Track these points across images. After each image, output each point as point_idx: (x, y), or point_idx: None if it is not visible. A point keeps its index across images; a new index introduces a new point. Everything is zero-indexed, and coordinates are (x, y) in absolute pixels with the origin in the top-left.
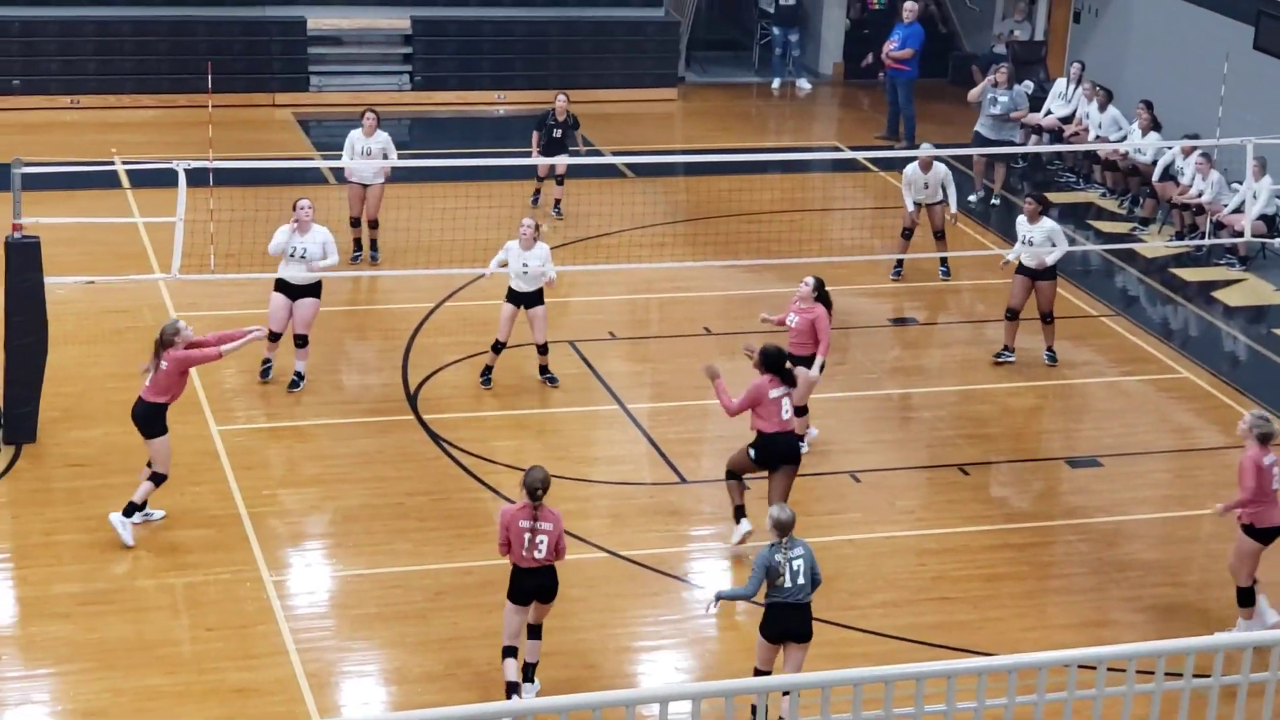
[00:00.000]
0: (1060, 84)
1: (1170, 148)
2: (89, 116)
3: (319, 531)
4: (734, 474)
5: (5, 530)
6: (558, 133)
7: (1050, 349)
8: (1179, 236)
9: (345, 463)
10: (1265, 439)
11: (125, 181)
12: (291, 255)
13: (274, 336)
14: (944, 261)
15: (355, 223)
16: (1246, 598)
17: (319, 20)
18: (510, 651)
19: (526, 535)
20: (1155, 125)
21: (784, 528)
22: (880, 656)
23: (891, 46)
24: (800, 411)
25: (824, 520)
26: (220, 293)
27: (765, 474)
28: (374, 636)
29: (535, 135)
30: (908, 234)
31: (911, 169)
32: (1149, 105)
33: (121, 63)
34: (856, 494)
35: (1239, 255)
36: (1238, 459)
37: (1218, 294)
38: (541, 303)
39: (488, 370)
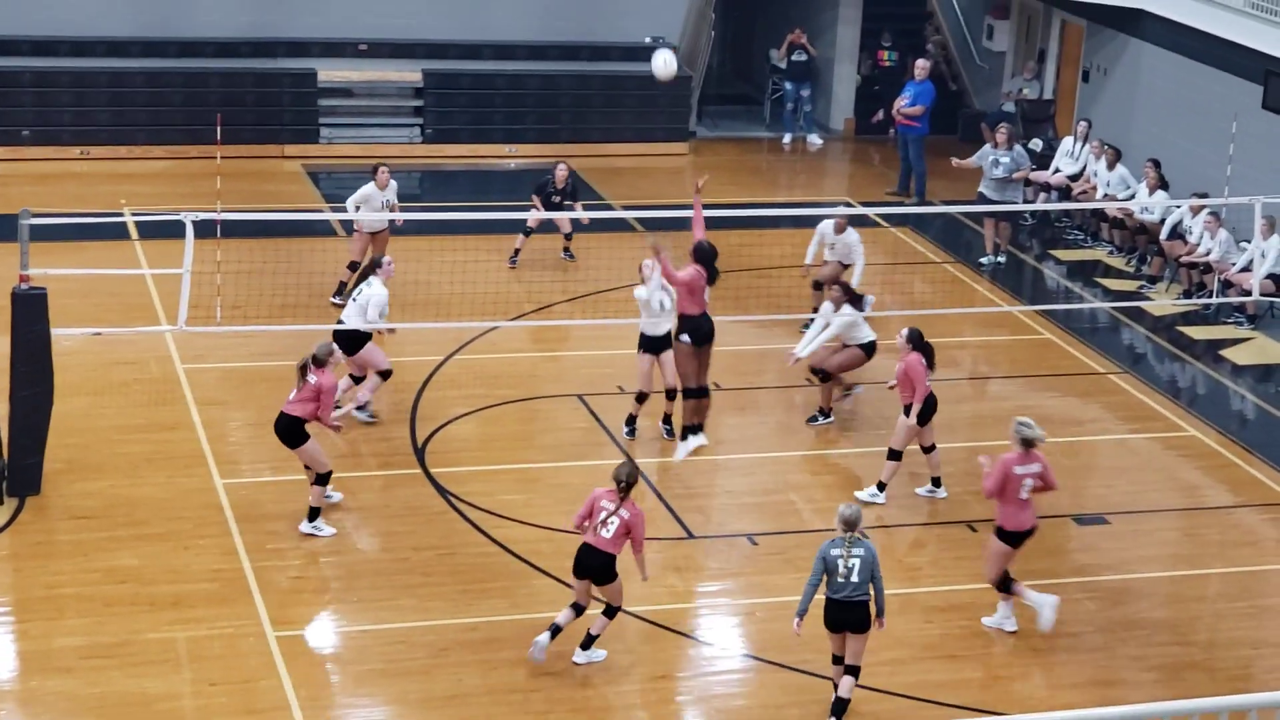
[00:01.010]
0: (1068, 142)
1: (1178, 206)
2: (99, 167)
3: (323, 586)
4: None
5: (7, 583)
6: (557, 199)
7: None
8: (1187, 295)
9: (351, 516)
10: (1027, 444)
11: (134, 233)
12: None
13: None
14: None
15: (354, 266)
16: (1004, 586)
17: (330, 72)
18: (577, 608)
19: (604, 513)
20: (1163, 183)
21: (850, 524)
22: (888, 715)
23: (903, 103)
24: (892, 455)
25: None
26: (226, 345)
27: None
28: (377, 693)
29: (536, 199)
30: (819, 286)
31: (826, 225)
32: (1157, 164)
33: (134, 114)
34: None
35: (1247, 314)
36: (1246, 519)
37: (1225, 352)
38: (670, 346)
39: (632, 420)
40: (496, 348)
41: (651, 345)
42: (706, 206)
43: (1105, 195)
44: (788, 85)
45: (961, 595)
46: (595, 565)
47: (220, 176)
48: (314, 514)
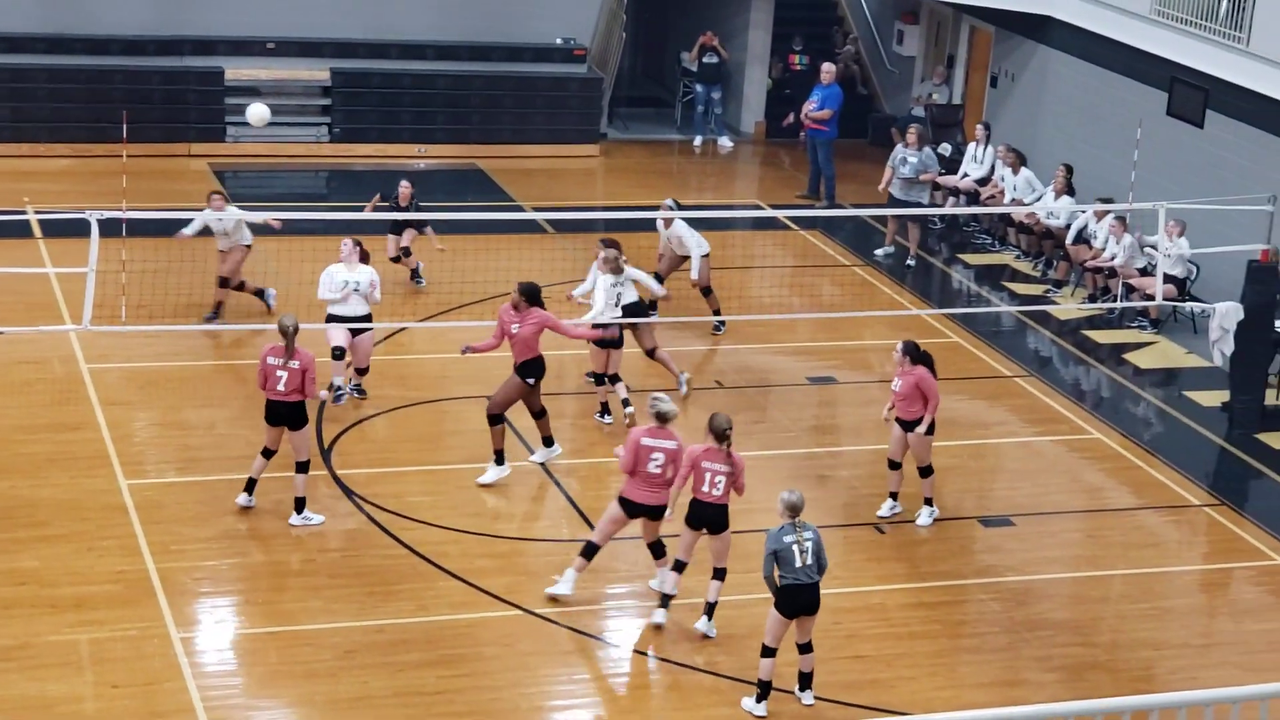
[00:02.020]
0: (973, 147)
1: (1083, 211)
2: (1, 165)
3: (228, 588)
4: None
5: None
6: (400, 217)
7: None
8: (1092, 299)
9: (255, 518)
10: (661, 418)
11: (37, 231)
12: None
13: (340, 353)
14: (717, 313)
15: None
16: (658, 551)
17: (237, 70)
18: (680, 566)
19: (708, 474)
20: (1069, 189)
21: (795, 509)
22: (794, 715)
23: (811, 107)
24: (925, 472)
25: (741, 579)
26: (131, 345)
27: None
28: (282, 695)
29: (375, 198)
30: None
31: (660, 222)
32: (1069, 169)
33: (37, 111)
34: None
35: (1150, 318)
36: (1148, 520)
37: (1129, 356)
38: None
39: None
40: (406, 349)
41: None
42: (618, 209)
43: (1012, 200)
44: (699, 88)
45: (870, 596)
46: (710, 516)
47: (126, 175)
48: (300, 504)
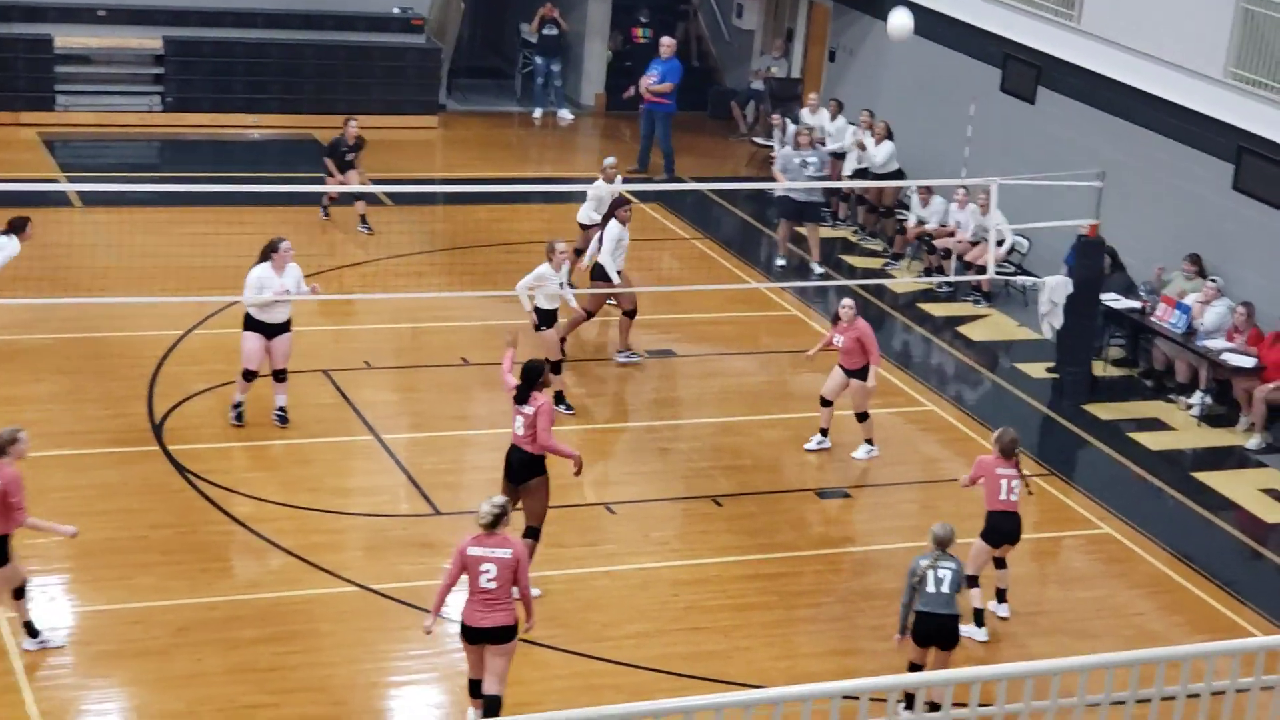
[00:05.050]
0: (831, 123)
1: (917, 187)
2: None
3: (57, 566)
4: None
5: None
6: (350, 156)
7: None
8: (927, 273)
9: (86, 495)
10: (491, 523)
11: None
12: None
13: (250, 376)
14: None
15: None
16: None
17: (67, 38)
18: (973, 581)
19: (1004, 481)
20: (889, 135)
21: (940, 542)
22: (631, 688)
23: (650, 81)
24: (862, 418)
25: (580, 552)
26: None
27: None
28: (113, 674)
29: (329, 161)
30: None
31: (598, 186)
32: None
33: None
34: (612, 525)
35: (983, 292)
36: (978, 491)
37: (963, 329)
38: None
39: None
40: (239, 322)
41: (551, 319)
42: (457, 181)
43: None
44: (538, 59)
45: (707, 569)
46: (1012, 529)
47: None
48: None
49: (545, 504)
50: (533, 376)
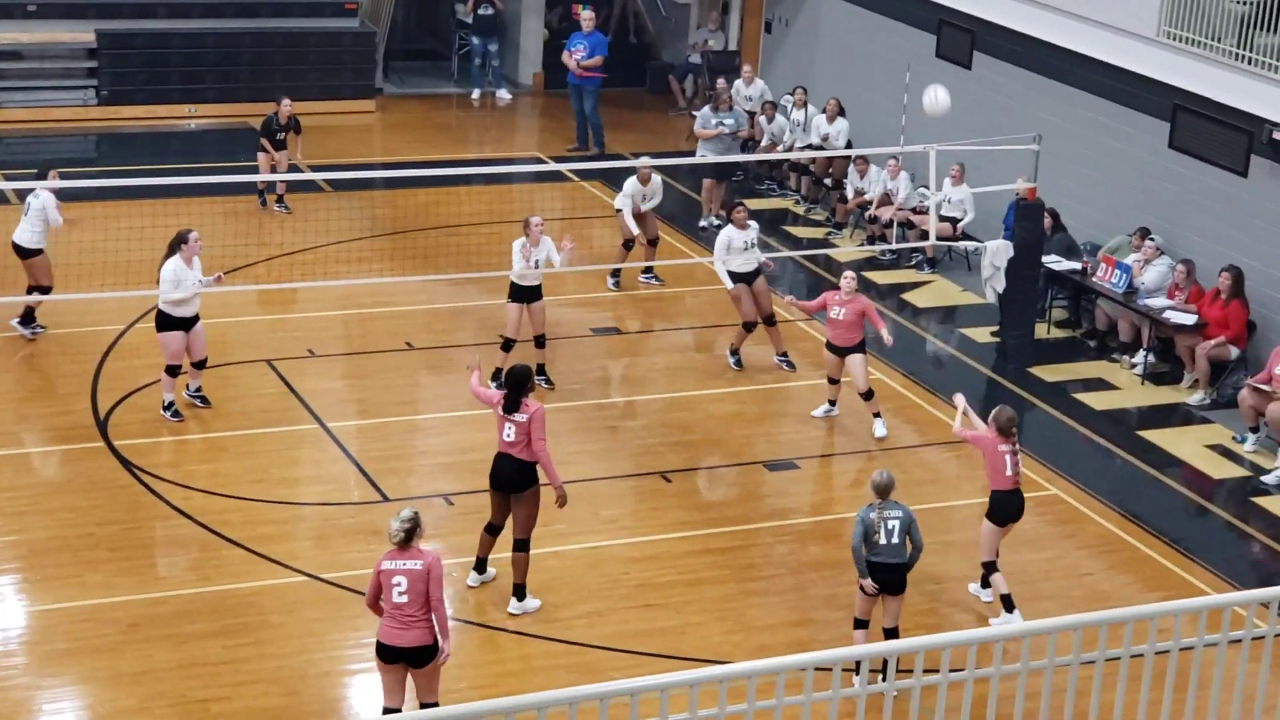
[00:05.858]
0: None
1: (857, 157)
2: None
3: (3, 566)
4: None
5: None
6: (281, 135)
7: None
8: (870, 241)
9: (31, 493)
10: (405, 538)
11: None
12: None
13: (176, 371)
14: (651, 269)
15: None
16: None
17: None
18: (992, 567)
19: (1007, 458)
20: (841, 111)
21: (880, 490)
22: (584, 668)
23: (579, 56)
24: (867, 396)
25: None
26: None
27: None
28: (64, 673)
29: (264, 141)
30: (629, 245)
31: (632, 183)
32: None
33: None
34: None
35: (927, 258)
36: (929, 457)
37: (907, 295)
38: (541, 296)
39: (499, 372)
40: None
41: (522, 295)
42: (396, 165)
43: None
44: (475, 40)
45: (657, 545)
46: (1017, 506)
47: None
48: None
49: (535, 514)
50: (520, 383)
